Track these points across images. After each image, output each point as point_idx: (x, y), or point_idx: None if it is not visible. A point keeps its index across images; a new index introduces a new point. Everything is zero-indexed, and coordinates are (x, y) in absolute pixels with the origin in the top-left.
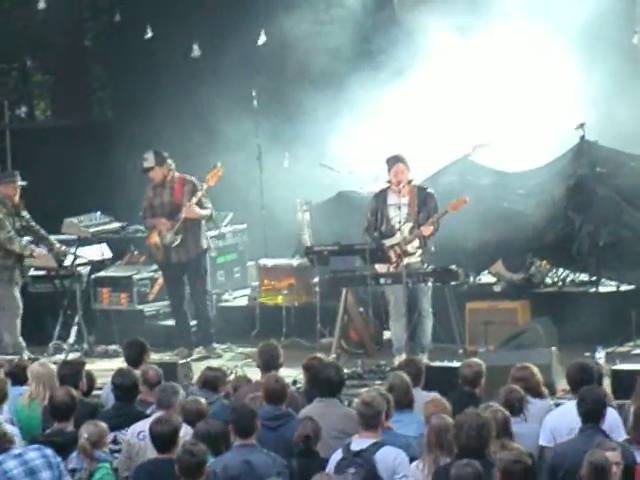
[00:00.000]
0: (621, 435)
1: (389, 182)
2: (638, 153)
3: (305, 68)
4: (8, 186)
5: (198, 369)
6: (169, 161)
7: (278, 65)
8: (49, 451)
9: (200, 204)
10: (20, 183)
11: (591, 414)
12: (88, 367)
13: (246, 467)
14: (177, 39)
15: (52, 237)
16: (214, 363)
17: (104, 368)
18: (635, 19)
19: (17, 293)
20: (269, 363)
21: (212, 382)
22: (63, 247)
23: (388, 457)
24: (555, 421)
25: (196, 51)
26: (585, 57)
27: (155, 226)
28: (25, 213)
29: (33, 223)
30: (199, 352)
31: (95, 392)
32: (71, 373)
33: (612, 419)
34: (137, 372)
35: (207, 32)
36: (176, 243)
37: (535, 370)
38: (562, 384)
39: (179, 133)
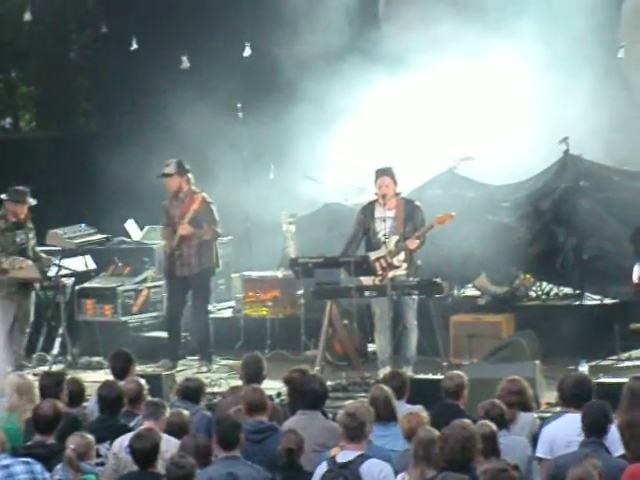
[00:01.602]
0: (620, 449)
1: (376, 194)
2: (622, 167)
3: (290, 80)
4: (17, 205)
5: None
6: (190, 175)
7: (263, 77)
8: (38, 467)
9: (208, 222)
10: (31, 202)
11: (595, 428)
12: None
13: (230, 479)
14: (162, 51)
15: (37, 249)
16: (200, 375)
17: (88, 380)
18: (618, 34)
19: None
20: (252, 375)
21: (193, 393)
22: (47, 258)
23: (374, 469)
24: (553, 433)
25: (185, 63)
26: (571, 72)
27: (167, 236)
28: (30, 225)
29: (32, 235)
30: (184, 364)
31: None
32: (52, 384)
33: (612, 433)
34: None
35: (192, 44)
36: (175, 257)
37: (526, 384)
38: (546, 397)
39: (164, 144)
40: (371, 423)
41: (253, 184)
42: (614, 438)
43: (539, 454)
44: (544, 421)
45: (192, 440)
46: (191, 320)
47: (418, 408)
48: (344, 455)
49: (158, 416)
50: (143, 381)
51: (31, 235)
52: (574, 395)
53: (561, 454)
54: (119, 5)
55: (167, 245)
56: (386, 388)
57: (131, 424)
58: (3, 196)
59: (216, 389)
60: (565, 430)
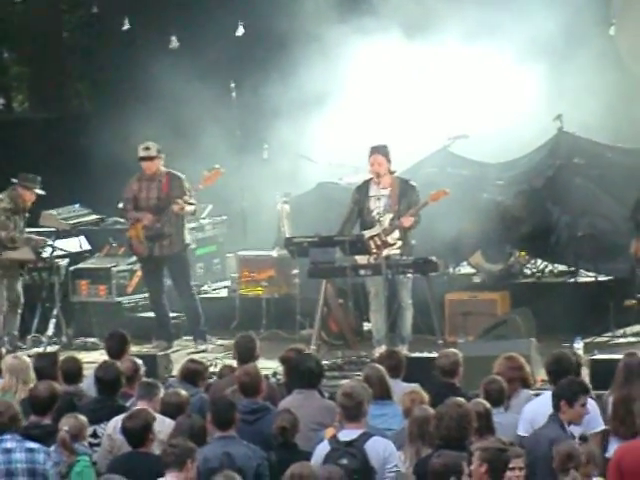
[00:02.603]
0: (599, 425)
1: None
2: (615, 144)
3: (284, 60)
4: (27, 191)
5: (177, 361)
6: (162, 154)
7: (257, 57)
8: (41, 457)
9: (189, 198)
10: (38, 192)
11: (554, 403)
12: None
13: (226, 459)
14: (155, 31)
15: (31, 229)
16: (195, 356)
17: (83, 360)
18: (609, 11)
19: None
20: (245, 355)
21: (192, 375)
22: (42, 239)
23: (378, 447)
24: (533, 411)
25: (174, 42)
26: (565, 50)
27: (139, 219)
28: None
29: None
30: (179, 344)
31: None
32: (47, 365)
33: (590, 409)
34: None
35: (185, 24)
36: (162, 237)
37: (524, 360)
38: (541, 375)
39: (157, 125)
40: (369, 401)
41: (247, 164)
42: (594, 414)
43: (520, 432)
44: None
45: (187, 420)
46: (180, 300)
47: (414, 386)
48: (346, 434)
49: (152, 397)
50: (140, 361)
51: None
52: (552, 372)
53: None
54: None
55: (139, 227)
56: (380, 367)
57: (127, 404)
58: (15, 180)
59: (212, 369)
60: (544, 408)
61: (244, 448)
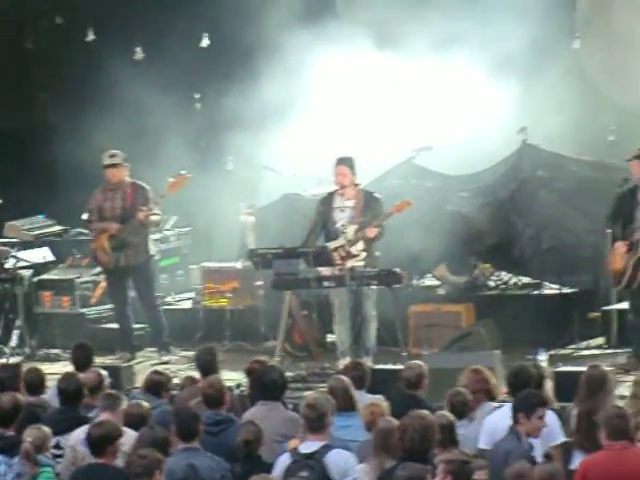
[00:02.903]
0: (558, 438)
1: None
2: (580, 157)
3: (248, 71)
4: None
5: (140, 373)
6: (127, 164)
7: (222, 68)
8: (2, 468)
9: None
10: None
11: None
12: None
13: (190, 471)
14: (120, 42)
15: None
16: (159, 367)
17: (46, 372)
18: (574, 25)
19: None
20: (205, 368)
21: (155, 387)
22: (5, 249)
23: (339, 460)
24: (493, 424)
25: (139, 54)
26: (530, 62)
27: (104, 230)
28: None
29: None
30: (142, 356)
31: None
32: (10, 376)
33: (549, 422)
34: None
35: (150, 35)
36: (126, 247)
37: (489, 372)
38: (505, 387)
39: (122, 136)
40: (332, 413)
41: (211, 175)
42: (553, 426)
43: (481, 445)
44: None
45: (149, 432)
46: (144, 311)
47: (378, 398)
48: (307, 446)
49: (115, 408)
50: (104, 372)
51: None
52: (511, 385)
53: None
54: None
55: (103, 238)
56: (344, 378)
57: (90, 415)
58: None
59: (176, 381)
60: (504, 421)
61: (208, 460)
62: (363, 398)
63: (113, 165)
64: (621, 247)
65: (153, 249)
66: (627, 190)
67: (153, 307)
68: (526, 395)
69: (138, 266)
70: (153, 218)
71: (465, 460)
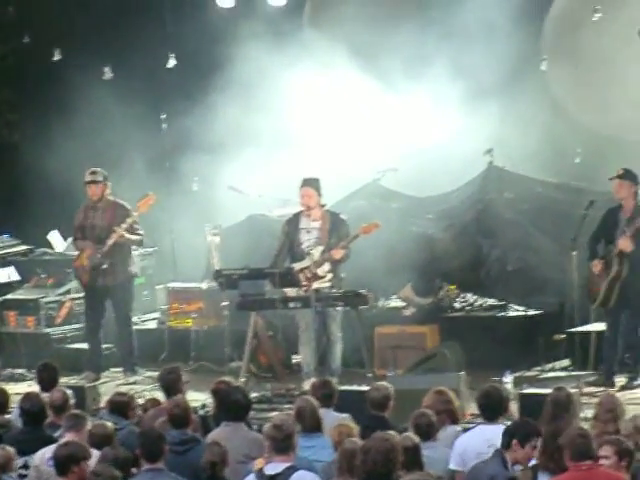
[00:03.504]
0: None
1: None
2: (545, 179)
3: (213, 92)
4: None
5: (106, 393)
6: (109, 183)
7: (188, 89)
8: None
9: (132, 230)
10: None
11: (503, 441)
12: None
13: None
14: (87, 62)
15: None
16: (123, 388)
17: (11, 392)
18: (541, 48)
19: None
20: (169, 388)
21: (119, 407)
22: None
23: None
24: (464, 445)
25: (108, 74)
26: (496, 85)
27: (83, 249)
28: None
29: None
30: (107, 376)
31: None
32: None
33: None
34: (45, 395)
35: (117, 55)
36: (104, 267)
37: (453, 395)
38: (470, 409)
39: (88, 155)
40: (297, 434)
41: (176, 195)
42: None
43: (452, 466)
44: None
45: (112, 451)
46: (116, 331)
47: (345, 417)
48: (272, 467)
49: (79, 428)
50: (69, 391)
51: None
52: (482, 406)
53: (476, 463)
54: (41, 16)
55: (84, 257)
56: (312, 399)
57: (55, 435)
58: None
59: (140, 401)
60: (475, 442)
61: None
62: (330, 417)
63: (93, 182)
64: (597, 265)
65: (133, 270)
66: (610, 210)
67: (126, 327)
68: (523, 423)
69: (115, 286)
70: (133, 237)
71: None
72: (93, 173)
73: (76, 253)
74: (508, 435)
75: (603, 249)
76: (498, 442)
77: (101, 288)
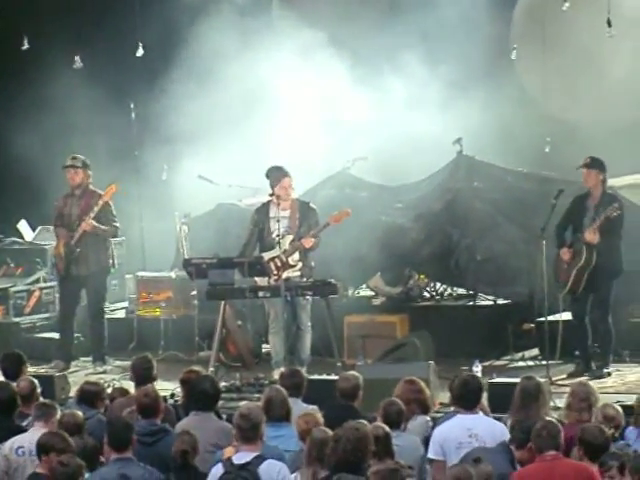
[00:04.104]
0: None
1: (272, 195)
2: (515, 168)
3: (183, 81)
4: None
5: (75, 383)
6: (89, 171)
7: (157, 78)
8: None
9: (107, 220)
10: None
11: (516, 439)
12: None
13: None
14: (56, 50)
15: None
16: (92, 377)
17: None
18: (510, 37)
19: None
20: (141, 377)
21: (89, 397)
22: None
23: (272, 470)
24: (444, 434)
25: (78, 63)
26: (466, 74)
27: (59, 236)
28: None
29: None
30: (77, 365)
31: None
32: None
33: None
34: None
35: (86, 43)
36: (74, 255)
37: (423, 384)
38: (440, 398)
39: (58, 144)
40: (265, 424)
41: (146, 185)
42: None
43: (430, 455)
44: (436, 422)
45: (79, 441)
46: (88, 321)
47: (312, 408)
48: (241, 456)
49: (48, 418)
50: (35, 380)
51: None
52: (460, 396)
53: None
54: (9, 4)
55: (60, 245)
56: (281, 389)
57: (23, 424)
58: None
59: (109, 391)
60: (455, 432)
61: (141, 469)
62: (298, 407)
63: (71, 166)
64: (565, 254)
65: (108, 260)
66: (578, 197)
67: (98, 317)
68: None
69: (88, 276)
70: (104, 227)
71: (393, 468)
72: (73, 158)
73: (44, 242)
74: (526, 436)
75: (571, 236)
76: (478, 431)
77: (75, 277)
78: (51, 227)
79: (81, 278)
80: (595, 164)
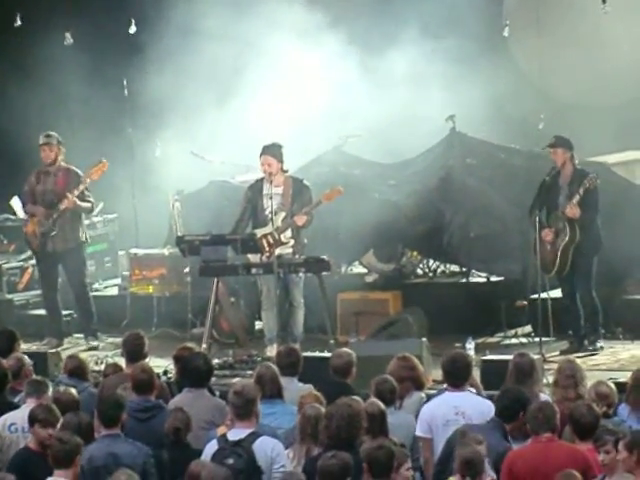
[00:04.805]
0: None
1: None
2: (508, 145)
3: (177, 57)
4: None
5: None
6: (63, 148)
7: (150, 54)
8: None
9: (82, 197)
10: None
11: (502, 411)
12: None
13: (111, 458)
14: (48, 27)
15: None
16: (85, 354)
17: None
18: (503, 14)
19: None
20: (133, 354)
21: (77, 370)
22: None
23: (266, 447)
24: (432, 412)
25: (68, 39)
26: (459, 51)
27: (34, 214)
28: None
29: None
30: (69, 342)
31: None
32: None
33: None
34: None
35: (79, 20)
36: (53, 233)
37: (417, 361)
38: (432, 375)
39: (50, 121)
40: (259, 401)
41: (139, 161)
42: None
43: (418, 433)
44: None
45: (74, 418)
46: (73, 297)
47: (308, 387)
48: (235, 433)
49: (40, 394)
50: (26, 357)
51: None
52: (448, 373)
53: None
54: None
55: (34, 223)
56: (272, 366)
57: (15, 400)
58: None
59: (102, 367)
60: (442, 409)
61: (129, 446)
62: (294, 386)
63: (46, 144)
64: (548, 235)
65: (84, 236)
66: (549, 177)
67: (82, 293)
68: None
69: (67, 252)
70: (83, 205)
71: (380, 446)
72: (48, 136)
73: None
74: (519, 406)
75: (546, 217)
76: (465, 409)
77: (51, 254)
78: None
79: (57, 254)
80: (559, 142)
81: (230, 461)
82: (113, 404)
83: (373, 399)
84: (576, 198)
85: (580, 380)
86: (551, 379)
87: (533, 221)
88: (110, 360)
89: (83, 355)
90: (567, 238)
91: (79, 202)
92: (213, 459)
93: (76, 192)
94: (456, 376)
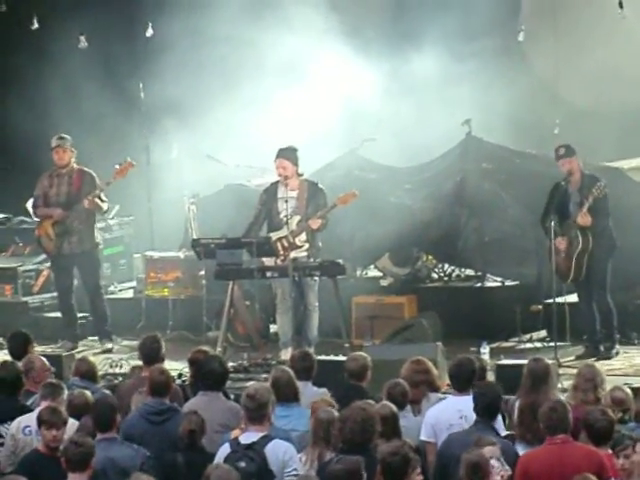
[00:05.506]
0: (501, 431)
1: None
2: (523, 150)
3: (193, 60)
4: None
5: None
6: (75, 151)
7: (166, 57)
8: None
9: (100, 198)
10: None
11: (487, 409)
12: None
13: (109, 462)
14: (64, 30)
15: None
16: (100, 357)
17: None
18: (519, 19)
19: None
20: (149, 356)
21: (88, 373)
22: None
23: (278, 451)
24: (436, 416)
25: (83, 42)
26: (475, 56)
27: (50, 216)
28: None
29: None
30: (84, 345)
31: None
32: None
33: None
34: (20, 364)
35: (94, 24)
36: (70, 234)
37: (430, 363)
38: (447, 380)
39: (66, 124)
40: (273, 404)
41: (155, 164)
42: (499, 419)
43: (423, 437)
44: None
45: (90, 421)
46: (88, 299)
47: (323, 391)
48: (248, 436)
49: (55, 397)
50: (43, 358)
51: None
52: (453, 377)
53: (451, 433)
54: None
55: (48, 224)
56: (288, 369)
57: (28, 403)
58: None
59: (117, 370)
60: (446, 413)
61: (126, 449)
62: (309, 390)
63: (60, 146)
64: (561, 243)
65: (99, 237)
66: (557, 185)
67: (97, 296)
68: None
69: (83, 254)
70: (100, 205)
71: (393, 452)
72: (61, 138)
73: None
74: (499, 400)
75: (558, 225)
76: (469, 413)
77: (67, 255)
78: None
79: (73, 256)
80: (571, 151)
81: (242, 464)
82: (106, 408)
83: (385, 402)
84: (586, 206)
85: (600, 384)
86: (566, 384)
87: (547, 228)
88: (125, 363)
89: (97, 358)
90: (580, 246)
91: (99, 202)
92: (225, 462)
93: (97, 192)
94: (460, 380)
